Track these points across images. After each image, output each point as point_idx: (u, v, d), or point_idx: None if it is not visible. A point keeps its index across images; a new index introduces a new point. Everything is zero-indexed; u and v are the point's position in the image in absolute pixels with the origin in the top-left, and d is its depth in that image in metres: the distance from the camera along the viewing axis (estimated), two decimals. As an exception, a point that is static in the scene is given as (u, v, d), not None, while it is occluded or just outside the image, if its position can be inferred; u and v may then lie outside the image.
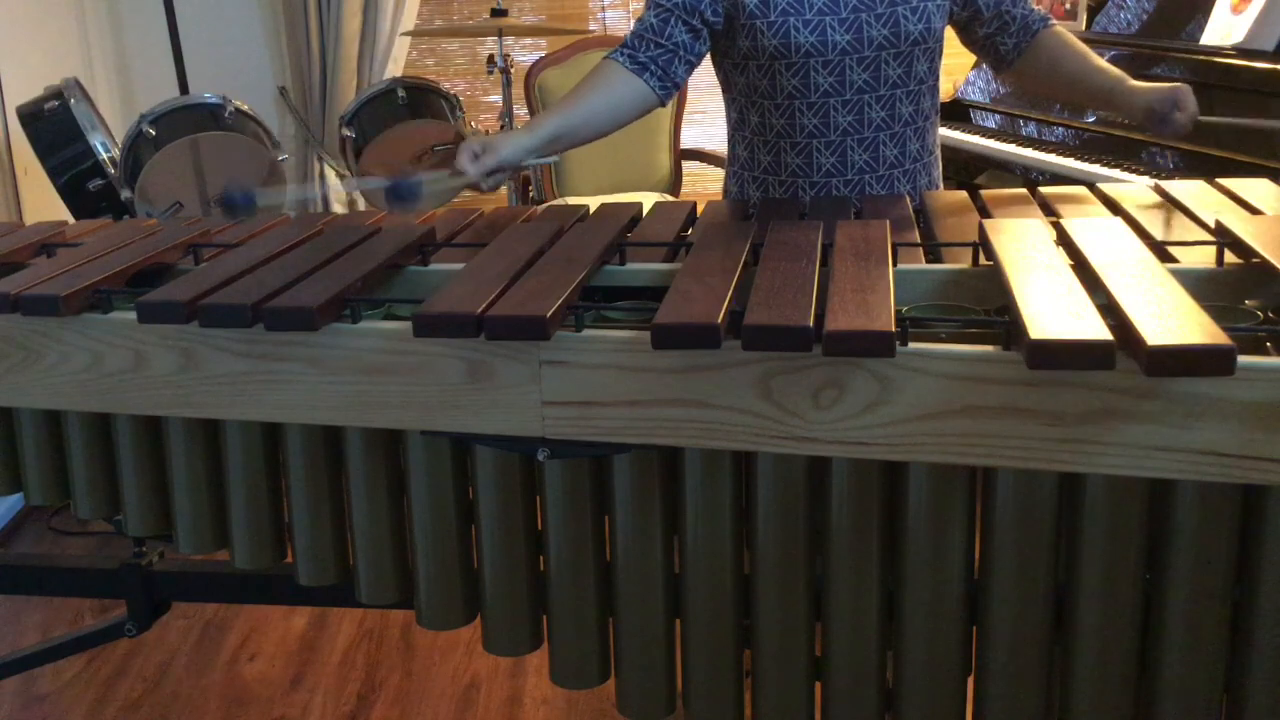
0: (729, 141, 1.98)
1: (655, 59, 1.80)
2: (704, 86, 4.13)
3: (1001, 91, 3.40)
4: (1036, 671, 1.17)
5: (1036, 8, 1.90)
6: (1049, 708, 1.19)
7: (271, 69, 4.16)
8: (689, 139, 4.03)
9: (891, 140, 1.83)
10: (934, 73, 1.86)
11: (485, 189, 1.71)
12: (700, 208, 1.72)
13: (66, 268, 1.42)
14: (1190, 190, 1.57)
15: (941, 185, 1.99)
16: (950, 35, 1.90)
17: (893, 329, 1.04)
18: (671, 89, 1.84)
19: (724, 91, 1.94)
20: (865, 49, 1.76)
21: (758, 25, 1.76)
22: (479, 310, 1.16)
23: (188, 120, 3.11)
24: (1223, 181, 1.60)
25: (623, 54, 1.82)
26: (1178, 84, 1.78)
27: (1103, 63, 1.86)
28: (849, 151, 1.82)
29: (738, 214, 1.67)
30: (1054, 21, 1.90)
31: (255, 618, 2.68)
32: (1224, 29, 2.86)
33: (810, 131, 1.82)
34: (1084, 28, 3.31)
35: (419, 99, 3.39)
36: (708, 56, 1.89)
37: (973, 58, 3.59)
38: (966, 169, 3.27)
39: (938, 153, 1.97)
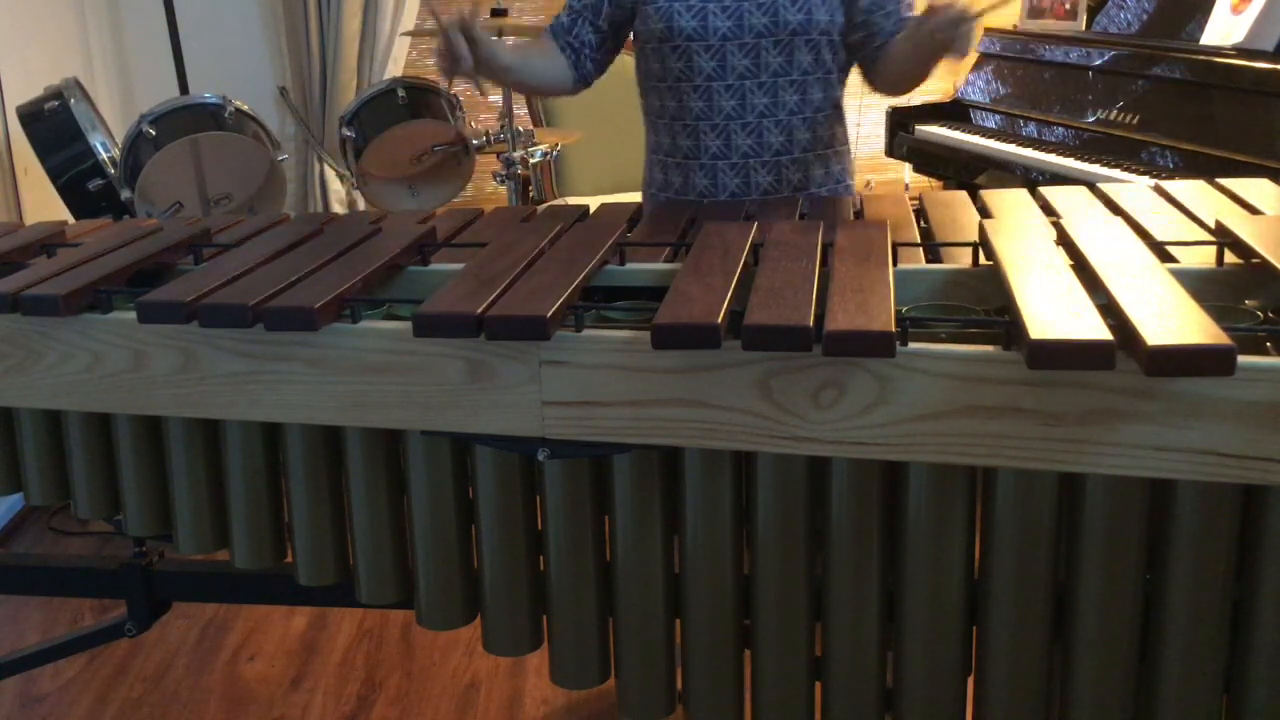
0: (645, 126, 2.06)
1: (565, 49, 1.94)
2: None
3: (1002, 91, 3.40)
4: (1036, 671, 1.17)
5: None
6: (1049, 708, 1.19)
7: (271, 69, 4.16)
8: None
9: (776, 128, 1.88)
10: (823, 66, 1.88)
11: (449, 61, 1.73)
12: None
13: (66, 268, 1.42)
14: (1190, 190, 1.57)
15: (851, 181, 2.01)
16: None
17: (893, 329, 1.04)
18: (581, 81, 1.98)
19: (636, 77, 2.01)
20: (745, 35, 1.82)
21: (647, 10, 1.87)
22: (479, 310, 1.16)
23: (188, 120, 3.11)
24: (1223, 181, 1.60)
25: (549, 34, 1.96)
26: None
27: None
28: (733, 136, 1.88)
29: (737, 214, 1.67)
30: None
31: (255, 618, 2.68)
32: (1224, 29, 2.86)
33: (697, 114, 1.89)
34: (1084, 28, 3.31)
35: (419, 99, 3.39)
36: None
37: (974, 57, 3.60)
38: (966, 169, 3.27)
39: (841, 149, 1.99)
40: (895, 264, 1.29)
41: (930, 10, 1.66)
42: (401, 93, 3.35)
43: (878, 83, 1.95)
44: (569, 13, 1.95)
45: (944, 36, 1.65)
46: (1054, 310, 1.04)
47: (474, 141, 3.44)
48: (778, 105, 1.87)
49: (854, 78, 1.98)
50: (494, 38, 1.82)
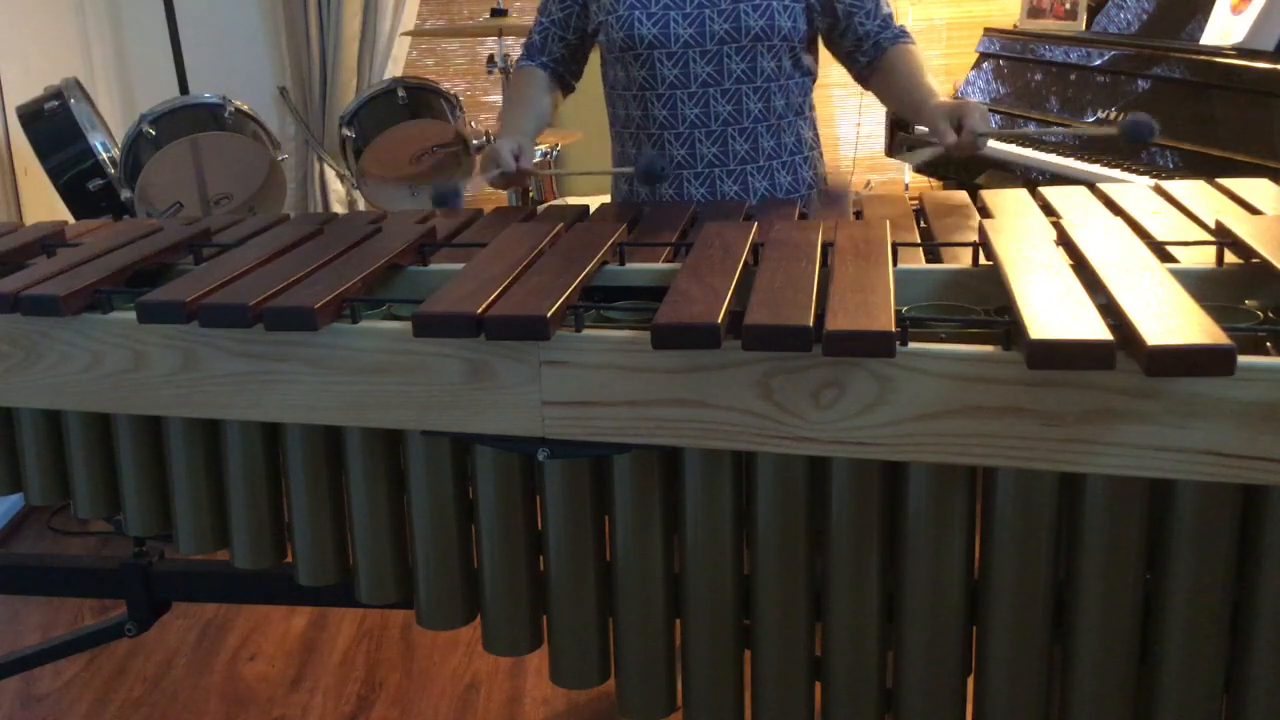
0: (610, 137, 2.09)
1: (544, 67, 2.00)
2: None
3: (1002, 91, 3.40)
4: (1036, 671, 1.17)
5: (896, 24, 1.92)
6: (1049, 708, 1.19)
7: (271, 69, 4.16)
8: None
9: (741, 135, 1.88)
10: (785, 72, 1.89)
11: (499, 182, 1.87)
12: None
13: (66, 268, 1.42)
14: (1190, 190, 1.57)
15: (817, 186, 2.01)
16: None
17: (893, 329, 1.04)
18: (567, 90, 2.07)
19: (603, 87, 2.04)
20: (707, 43, 1.83)
21: (609, 20, 1.88)
22: (479, 310, 1.16)
23: (188, 120, 3.11)
24: (1223, 181, 1.60)
25: (529, 61, 2.03)
26: (967, 101, 1.74)
27: (926, 81, 1.86)
28: (697, 144, 1.89)
29: (737, 214, 1.67)
30: (908, 40, 1.92)
31: (255, 618, 2.68)
32: (1224, 29, 2.86)
33: (661, 123, 1.90)
34: (1084, 28, 3.31)
35: (419, 99, 3.39)
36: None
37: (973, 57, 3.60)
38: (966, 169, 3.27)
39: (810, 154, 2.00)
40: (895, 264, 1.28)
41: (956, 132, 1.69)
42: (401, 93, 3.35)
43: (873, 90, 1.97)
44: (539, 31, 1.99)
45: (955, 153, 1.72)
46: (1054, 310, 1.04)
47: (474, 141, 3.44)
48: (742, 113, 1.87)
49: (851, 78, 1.98)
50: (523, 137, 1.92)
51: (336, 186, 4.15)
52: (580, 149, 3.88)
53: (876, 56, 1.91)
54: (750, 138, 1.89)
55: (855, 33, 1.90)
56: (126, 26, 4.06)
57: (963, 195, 1.66)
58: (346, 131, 3.40)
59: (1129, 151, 2.85)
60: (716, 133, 1.88)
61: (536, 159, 3.50)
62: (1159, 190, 1.60)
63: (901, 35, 1.92)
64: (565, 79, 2.04)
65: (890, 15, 1.93)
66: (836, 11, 1.88)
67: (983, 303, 1.27)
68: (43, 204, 3.32)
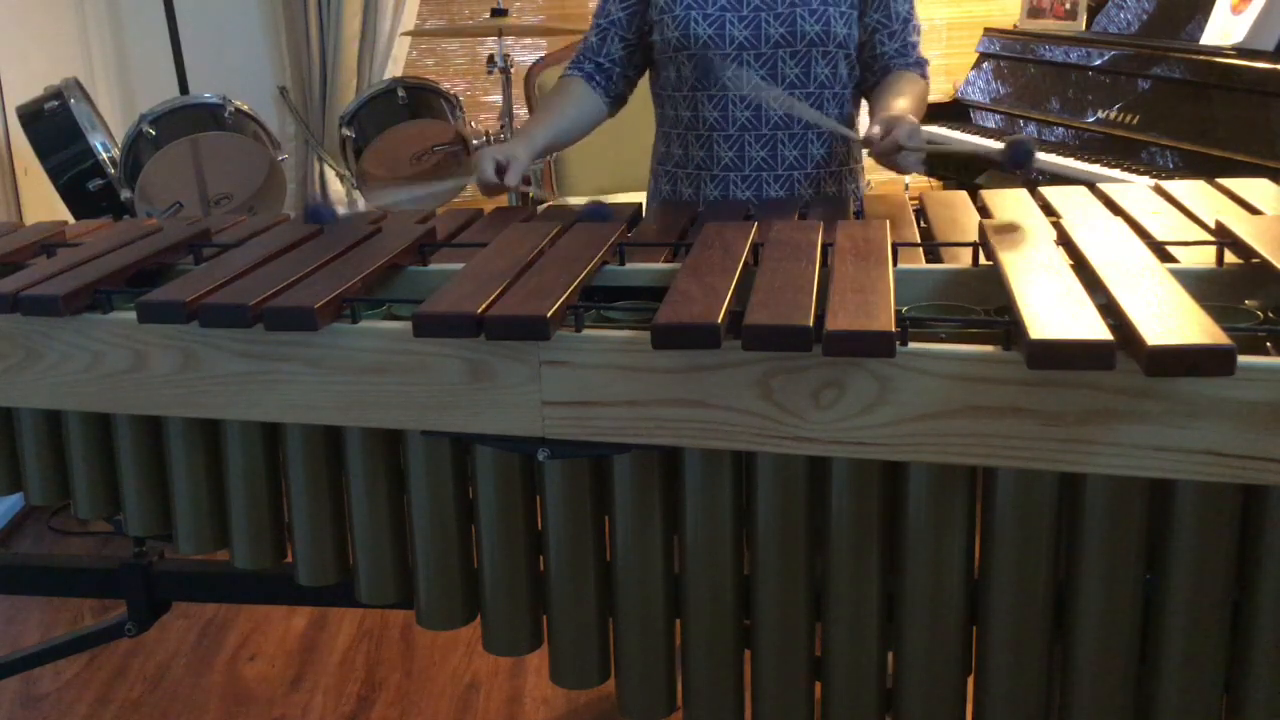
0: (655, 138, 2.05)
1: (596, 73, 1.95)
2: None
3: (1002, 91, 3.40)
4: (1036, 671, 1.17)
5: (916, 55, 1.90)
6: (1049, 708, 1.19)
7: (271, 69, 4.16)
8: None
9: (791, 141, 1.87)
10: (840, 80, 1.87)
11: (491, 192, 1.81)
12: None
13: (66, 268, 1.42)
14: (1190, 190, 1.57)
15: (861, 199, 1.99)
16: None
17: (893, 329, 1.04)
18: (616, 101, 1.99)
19: (651, 88, 2.01)
20: (762, 45, 1.82)
21: (665, 19, 1.86)
22: (479, 310, 1.16)
23: (188, 120, 3.11)
24: (1223, 181, 1.60)
25: (576, 69, 1.96)
26: (906, 115, 1.69)
27: (899, 100, 1.79)
28: (746, 147, 1.87)
29: (738, 214, 1.67)
30: (914, 72, 1.89)
31: (255, 618, 2.68)
32: (1224, 29, 2.86)
33: (711, 124, 1.88)
34: (1084, 28, 3.31)
35: (419, 99, 3.39)
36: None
37: (973, 57, 3.60)
38: (966, 169, 3.27)
39: (856, 166, 1.98)
40: (895, 264, 1.28)
41: (868, 140, 1.67)
42: (401, 93, 3.35)
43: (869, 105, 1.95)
44: (597, 31, 1.96)
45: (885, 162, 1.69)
46: (1054, 310, 1.04)
47: (474, 141, 3.44)
48: (793, 118, 1.86)
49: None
50: (521, 146, 1.83)
51: (336, 187, 4.15)
52: (580, 149, 3.87)
53: (883, 77, 1.89)
54: (800, 144, 1.88)
55: (873, 49, 1.88)
56: (126, 26, 4.06)
57: (963, 195, 1.66)
58: (346, 131, 3.40)
59: (1128, 151, 2.85)
60: (766, 136, 1.86)
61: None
62: (1159, 190, 1.60)
63: (912, 64, 1.89)
64: (617, 86, 1.96)
65: (914, 45, 1.90)
66: (866, 25, 1.87)
67: (983, 303, 1.27)
68: (43, 204, 3.32)
